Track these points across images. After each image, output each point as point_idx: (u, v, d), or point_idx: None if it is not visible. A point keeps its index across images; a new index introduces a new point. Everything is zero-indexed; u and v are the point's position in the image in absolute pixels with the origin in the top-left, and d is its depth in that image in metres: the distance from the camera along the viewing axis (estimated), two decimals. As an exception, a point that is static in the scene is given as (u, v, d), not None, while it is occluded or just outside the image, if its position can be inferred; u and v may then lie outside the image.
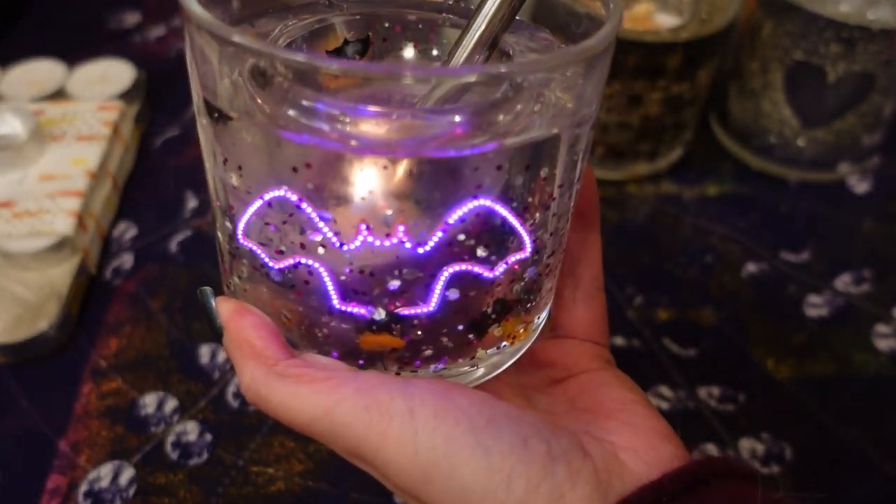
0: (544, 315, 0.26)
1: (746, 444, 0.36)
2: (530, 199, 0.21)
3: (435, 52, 0.26)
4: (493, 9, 0.21)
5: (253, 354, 0.21)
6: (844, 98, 0.48)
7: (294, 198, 0.19)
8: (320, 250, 0.20)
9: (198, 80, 0.21)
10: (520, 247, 0.21)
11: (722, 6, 0.48)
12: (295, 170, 0.19)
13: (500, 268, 0.21)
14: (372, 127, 0.19)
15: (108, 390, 0.38)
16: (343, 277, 0.20)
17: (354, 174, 0.19)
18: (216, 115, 0.20)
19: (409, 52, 0.26)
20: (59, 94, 0.53)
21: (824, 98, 0.49)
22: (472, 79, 0.20)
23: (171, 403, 0.37)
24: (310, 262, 0.20)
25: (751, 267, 0.46)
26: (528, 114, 0.20)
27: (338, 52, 0.25)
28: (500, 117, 0.20)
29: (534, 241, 0.21)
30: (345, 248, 0.20)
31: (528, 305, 0.24)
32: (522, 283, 0.23)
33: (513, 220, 0.20)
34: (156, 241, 0.46)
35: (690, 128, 0.52)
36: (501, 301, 0.22)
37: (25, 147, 0.45)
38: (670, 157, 0.52)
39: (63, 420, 0.36)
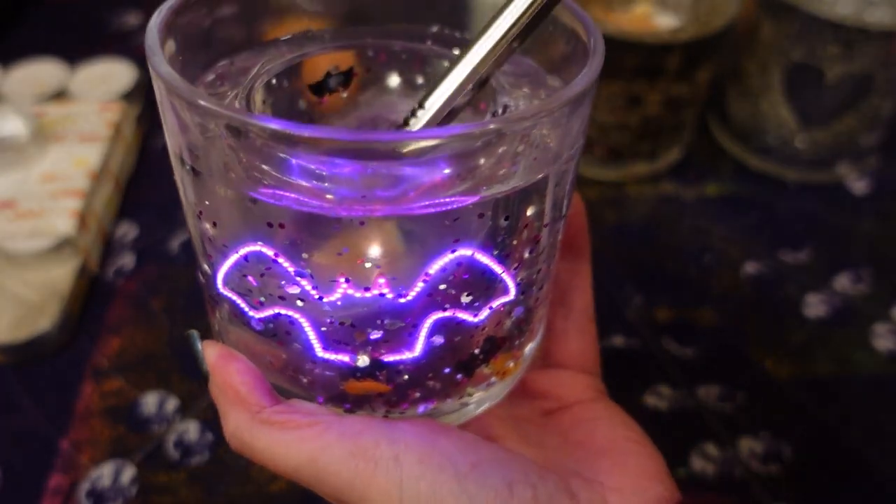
0: (535, 344, 0.25)
1: (745, 444, 0.36)
2: (515, 243, 0.20)
3: (420, 81, 0.25)
4: (489, 48, 0.19)
5: (238, 401, 0.21)
6: (843, 99, 0.49)
7: (270, 253, 0.19)
8: (299, 303, 0.20)
9: (171, 131, 0.20)
10: (505, 291, 0.21)
11: (721, 7, 0.48)
12: (270, 225, 0.19)
13: (485, 312, 0.21)
14: (348, 183, 0.18)
15: (109, 390, 0.38)
16: (324, 328, 0.20)
17: (331, 230, 0.19)
18: (189, 167, 0.20)
19: (393, 81, 0.25)
20: (60, 95, 0.53)
21: (823, 99, 0.49)
22: (452, 140, 0.18)
23: (172, 403, 0.37)
24: (290, 313, 0.20)
25: (749, 267, 0.46)
26: (511, 155, 0.19)
27: (320, 86, 0.24)
28: (482, 161, 0.19)
29: (519, 283, 0.21)
30: (324, 300, 0.19)
31: (517, 341, 0.23)
32: (510, 322, 0.22)
33: (496, 268, 0.20)
34: (157, 241, 0.46)
35: (689, 128, 0.52)
36: (490, 339, 0.22)
37: (27, 147, 0.45)
38: (669, 158, 0.53)
39: (64, 419, 0.36)
